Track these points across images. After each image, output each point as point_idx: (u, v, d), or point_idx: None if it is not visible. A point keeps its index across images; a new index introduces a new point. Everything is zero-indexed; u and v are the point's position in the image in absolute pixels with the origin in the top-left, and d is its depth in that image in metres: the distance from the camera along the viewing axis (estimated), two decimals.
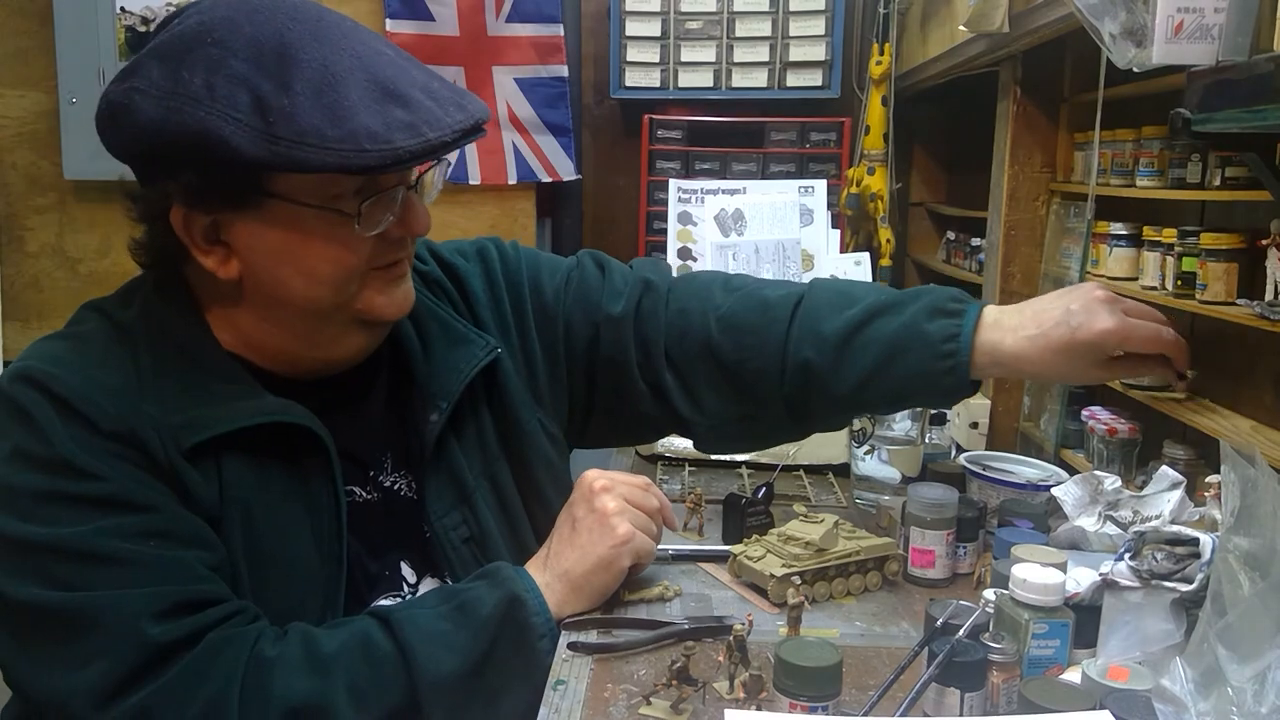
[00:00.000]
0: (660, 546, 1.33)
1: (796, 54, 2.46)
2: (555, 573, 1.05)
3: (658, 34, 2.48)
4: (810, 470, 1.71)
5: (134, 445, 0.92)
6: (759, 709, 0.93)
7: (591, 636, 1.09)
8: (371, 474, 1.10)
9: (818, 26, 2.45)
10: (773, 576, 1.17)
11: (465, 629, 0.96)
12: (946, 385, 1.09)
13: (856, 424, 1.53)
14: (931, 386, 1.10)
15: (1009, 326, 1.08)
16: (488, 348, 1.14)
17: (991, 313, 1.10)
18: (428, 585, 1.11)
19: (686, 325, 1.19)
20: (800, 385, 1.15)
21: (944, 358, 1.08)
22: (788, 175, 2.45)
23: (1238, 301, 1.27)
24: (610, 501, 1.06)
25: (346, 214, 0.93)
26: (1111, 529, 1.19)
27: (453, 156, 2.47)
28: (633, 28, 2.49)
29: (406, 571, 1.11)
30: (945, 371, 1.08)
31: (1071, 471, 1.47)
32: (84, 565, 0.87)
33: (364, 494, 1.08)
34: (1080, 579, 1.00)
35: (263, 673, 0.88)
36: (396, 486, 1.11)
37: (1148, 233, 1.49)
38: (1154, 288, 1.45)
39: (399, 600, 1.07)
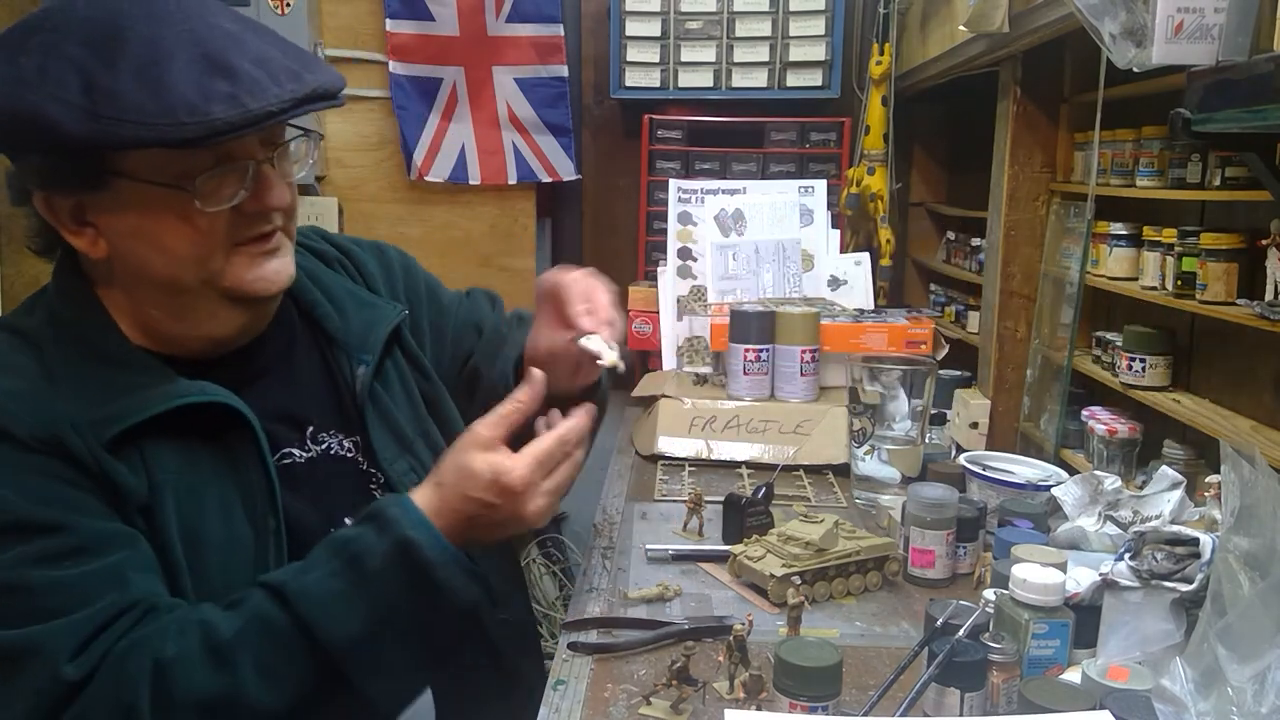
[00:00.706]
0: (660, 546, 1.33)
1: (796, 54, 2.46)
2: (448, 517, 0.96)
3: (658, 34, 2.48)
4: (810, 470, 1.71)
5: (56, 449, 0.92)
6: (759, 709, 0.93)
7: (591, 636, 1.09)
8: (311, 431, 1.11)
9: (818, 26, 2.44)
10: (773, 576, 1.17)
11: (360, 586, 0.91)
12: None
13: (856, 424, 1.54)
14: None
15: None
16: (396, 308, 1.21)
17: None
18: None
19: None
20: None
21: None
22: (788, 175, 2.45)
23: (1238, 301, 1.27)
24: (521, 471, 0.96)
25: (186, 190, 0.93)
26: (1111, 529, 1.19)
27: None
28: (633, 28, 2.49)
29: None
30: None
31: (1071, 471, 1.47)
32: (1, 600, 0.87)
33: (303, 453, 1.09)
34: (1080, 579, 1.00)
35: (166, 676, 0.86)
36: (330, 448, 1.12)
37: (1148, 233, 1.49)
38: (1154, 288, 1.45)
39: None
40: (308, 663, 0.89)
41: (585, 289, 1.15)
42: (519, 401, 1.00)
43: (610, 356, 1.08)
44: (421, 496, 0.97)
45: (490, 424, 0.98)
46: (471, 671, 1.17)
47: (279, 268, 1.03)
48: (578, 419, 1.02)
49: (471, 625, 0.99)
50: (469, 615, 0.96)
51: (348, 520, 1.09)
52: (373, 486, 1.13)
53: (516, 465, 0.95)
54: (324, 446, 1.12)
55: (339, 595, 0.91)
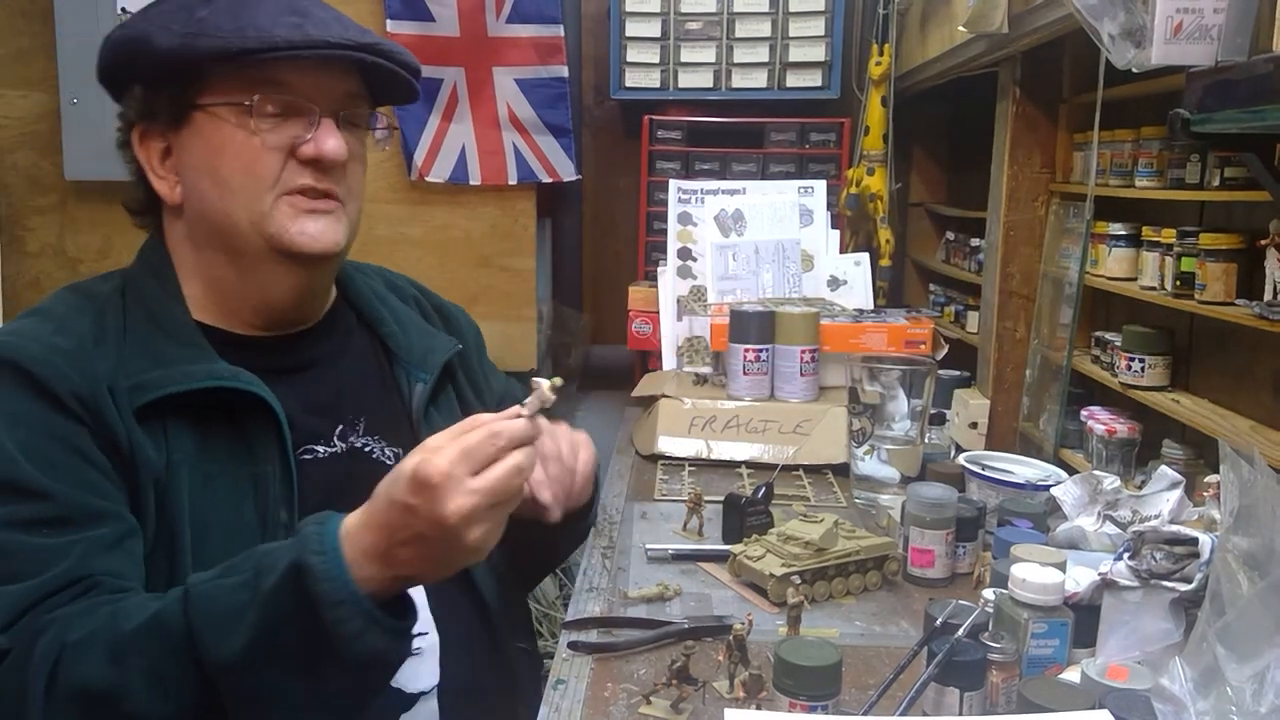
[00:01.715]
0: (660, 546, 1.33)
1: (796, 54, 2.46)
2: (370, 545, 0.85)
3: (658, 34, 2.48)
4: (810, 470, 1.71)
5: (90, 410, 0.96)
6: (759, 708, 0.93)
7: (591, 636, 1.09)
8: (340, 430, 1.12)
9: (818, 27, 2.44)
10: (773, 576, 1.17)
11: (254, 603, 0.84)
12: None
13: (856, 424, 1.54)
14: None
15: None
16: (453, 342, 1.26)
17: None
18: None
19: None
20: None
21: None
22: (787, 175, 2.45)
23: (1237, 302, 1.27)
24: (460, 499, 0.83)
25: (243, 106, 1.02)
26: (1111, 529, 1.19)
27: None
28: (633, 28, 2.49)
29: None
30: None
31: (1071, 471, 1.48)
32: None
33: (326, 449, 1.11)
34: (1079, 579, 1.00)
35: (66, 658, 0.85)
36: (370, 449, 1.14)
37: (1147, 233, 1.50)
38: (1153, 288, 1.46)
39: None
40: (193, 675, 0.84)
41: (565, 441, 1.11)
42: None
43: (533, 400, 0.91)
44: (353, 515, 0.87)
45: (444, 433, 0.88)
46: (480, 683, 1.16)
47: (325, 228, 1.07)
48: (516, 421, 0.88)
49: (376, 680, 0.88)
50: (367, 667, 0.85)
51: None
52: None
53: (436, 455, 0.83)
54: (360, 445, 1.13)
55: (235, 610, 0.84)
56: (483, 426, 0.86)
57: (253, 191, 1.03)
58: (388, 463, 1.15)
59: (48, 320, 1.03)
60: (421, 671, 1.10)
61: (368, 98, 1.12)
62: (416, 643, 1.10)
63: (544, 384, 0.92)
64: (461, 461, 0.83)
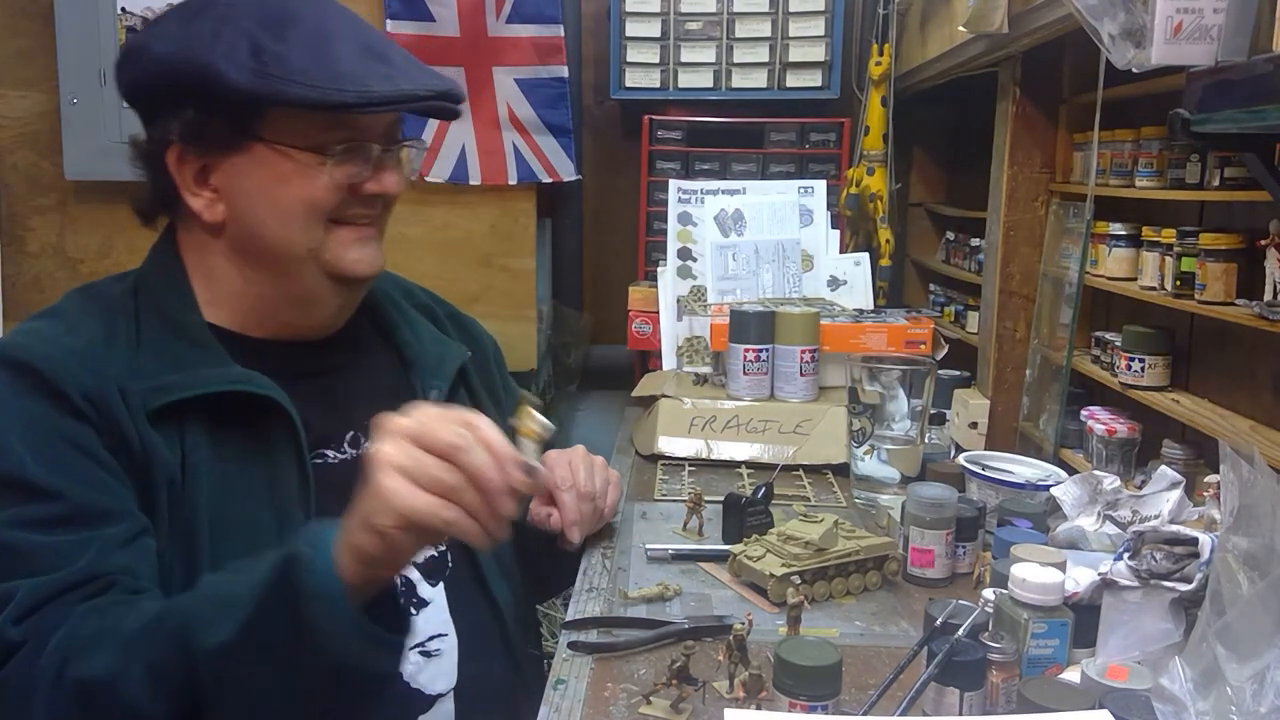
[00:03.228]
0: (660, 546, 1.33)
1: (796, 54, 2.46)
2: (342, 525, 0.86)
3: (658, 34, 2.48)
4: (810, 470, 1.71)
5: (101, 410, 0.96)
6: (759, 708, 0.93)
7: (591, 636, 1.09)
8: (352, 435, 1.13)
9: (818, 27, 2.44)
10: (773, 576, 1.17)
11: (243, 594, 0.84)
12: None
13: (855, 424, 1.54)
14: None
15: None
16: (464, 350, 1.28)
17: None
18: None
19: None
20: None
21: None
22: (787, 176, 2.45)
23: (1237, 302, 1.27)
24: (384, 444, 0.83)
25: (323, 157, 1.02)
26: (1111, 529, 1.19)
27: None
28: (633, 28, 2.49)
29: None
30: None
31: (1071, 471, 1.47)
32: None
33: (337, 454, 1.12)
34: (1079, 579, 1.00)
35: (75, 652, 0.85)
36: None
37: (1147, 233, 1.50)
38: (1153, 288, 1.46)
39: None
40: (183, 664, 0.83)
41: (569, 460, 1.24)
42: None
43: (525, 452, 0.90)
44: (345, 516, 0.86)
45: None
46: (495, 684, 1.17)
47: (375, 254, 1.12)
48: (489, 427, 0.85)
49: (353, 686, 0.85)
50: (345, 671, 0.83)
51: None
52: None
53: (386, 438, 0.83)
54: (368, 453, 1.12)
55: (229, 599, 0.84)
56: (462, 415, 0.85)
57: (313, 219, 1.05)
58: None
59: (59, 321, 1.04)
60: (440, 673, 1.11)
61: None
62: (435, 644, 1.12)
63: (533, 430, 0.92)
64: (414, 424, 0.83)
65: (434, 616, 1.13)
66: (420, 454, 0.82)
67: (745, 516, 1.34)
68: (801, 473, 1.70)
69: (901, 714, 0.87)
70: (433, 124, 2.50)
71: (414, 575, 1.13)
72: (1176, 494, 1.16)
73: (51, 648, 0.86)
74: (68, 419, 0.95)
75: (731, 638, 0.96)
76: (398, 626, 0.87)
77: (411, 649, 1.11)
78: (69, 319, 1.04)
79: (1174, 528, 0.98)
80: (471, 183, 2.51)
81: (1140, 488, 1.23)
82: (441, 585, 1.14)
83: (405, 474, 0.81)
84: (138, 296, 1.07)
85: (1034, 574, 0.94)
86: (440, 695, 1.11)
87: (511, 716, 1.17)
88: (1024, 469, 1.49)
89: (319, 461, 1.09)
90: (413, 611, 1.12)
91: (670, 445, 1.78)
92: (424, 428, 0.83)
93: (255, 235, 1.06)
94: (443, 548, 1.15)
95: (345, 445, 1.13)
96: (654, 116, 2.49)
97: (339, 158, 1.03)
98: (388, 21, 2.43)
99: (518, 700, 1.18)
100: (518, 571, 1.26)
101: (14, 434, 0.94)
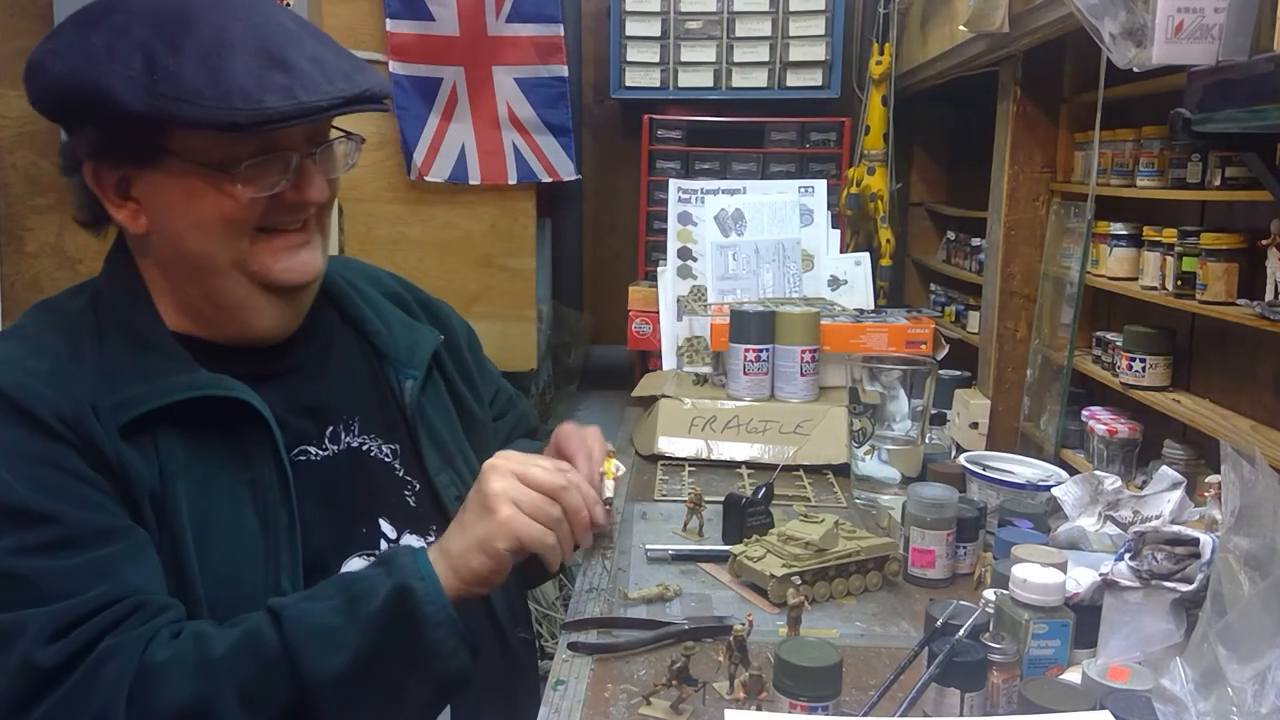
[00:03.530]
0: (660, 546, 1.33)
1: (796, 54, 2.46)
2: (440, 551, 1.01)
3: (658, 34, 2.48)
4: (810, 470, 1.71)
5: (77, 431, 0.94)
6: (759, 709, 0.93)
7: (591, 636, 1.09)
8: (331, 430, 1.12)
9: (818, 26, 2.44)
10: (773, 576, 1.17)
11: (355, 623, 0.92)
12: None
13: (856, 424, 1.53)
14: None
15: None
16: (436, 334, 1.26)
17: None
18: (407, 540, 1.14)
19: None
20: None
21: None
22: (788, 175, 2.45)
23: (1238, 301, 1.27)
24: (496, 481, 1.02)
25: (230, 175, 0.97)
26: (1111, 529, 1.19)
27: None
28: (633, 28, 2.49)
29: (386, 528, 1.13)
30: None
31: (1071, 471, 1.47)
32: None
33: (319, 452, 1.10)
34: (1080, 579, 1.00)
35: (150, 680, 0.87)
36: (367, 448, 1.14)
37: (1148, 233, 1.49)
38: (1154, 288, 1.45)
39: (369, 557, 1.09)
40: (285, 693, 0.89)
41: (583, 439, 1.26)
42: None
43: (608, 490, 1.20)
44: (435, 547, 1.01)
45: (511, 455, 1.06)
46: (489, 682, 1.16)
47: (308, 260, 1.07)
48: (579, 474, 1.12)
49: (452, 694, 1.00)
50: (450, 685, 0.96)
51: (382, 521, 1.13)
52: (407, 493, 1.16)
53: (502, 474, 1.02)
54: (357, 445, 1.13)
55: (333, 630, 0.91)
56: (557, 462, 1.08)
57: (232, 232, 1.00)
58: (385, 460, 1.15)
59: (21, 342, 1.01)
60: None
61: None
62: None
63: (613, 473, 1.21)
64: (520, 465, 1.03)
65: None
66: (530, 491, 1.02)
67: (745, 517, 1.34)
68: (802, 473, 1.70)
69: (902, 715, 0.86)
70: (432, 124, 2.50)
71: None
72: (1177, 494, 1.15)
73: (111, 679, 0.85)
74: (46, 442, 0.93)
75: (732, 638, 0.96)
76: (475, 629, 0.98)
77: None
78: (31, 340, 1.01)
79: (1175, 528, 0.98)
80: (471, 182, 2.51)
81: (1141, 488, 1.23)
82: None
83: (519, 506, 1.00)
84: (97, 311, 1.04)
85: (1035, 574, 0.94)
86: None
87: (507, 701, 1.17)
88: (1025, 469, 1.48)
89: (301, 459, 1.08)
90: None
91: (670, 445, 1.78)
92: (528, 468, 1.03)
93: (177, 248, 1.02)
94: (431, 538, 1.14)
95: (326, 442, 1.11)
96: (654, 116, 2.49)
97: (249, 172, 0.98)
98: (388, 20, 2.43)
99: (514, 685, 1.19)
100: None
101: None
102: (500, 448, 1.26)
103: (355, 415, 1.14)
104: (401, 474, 1.16)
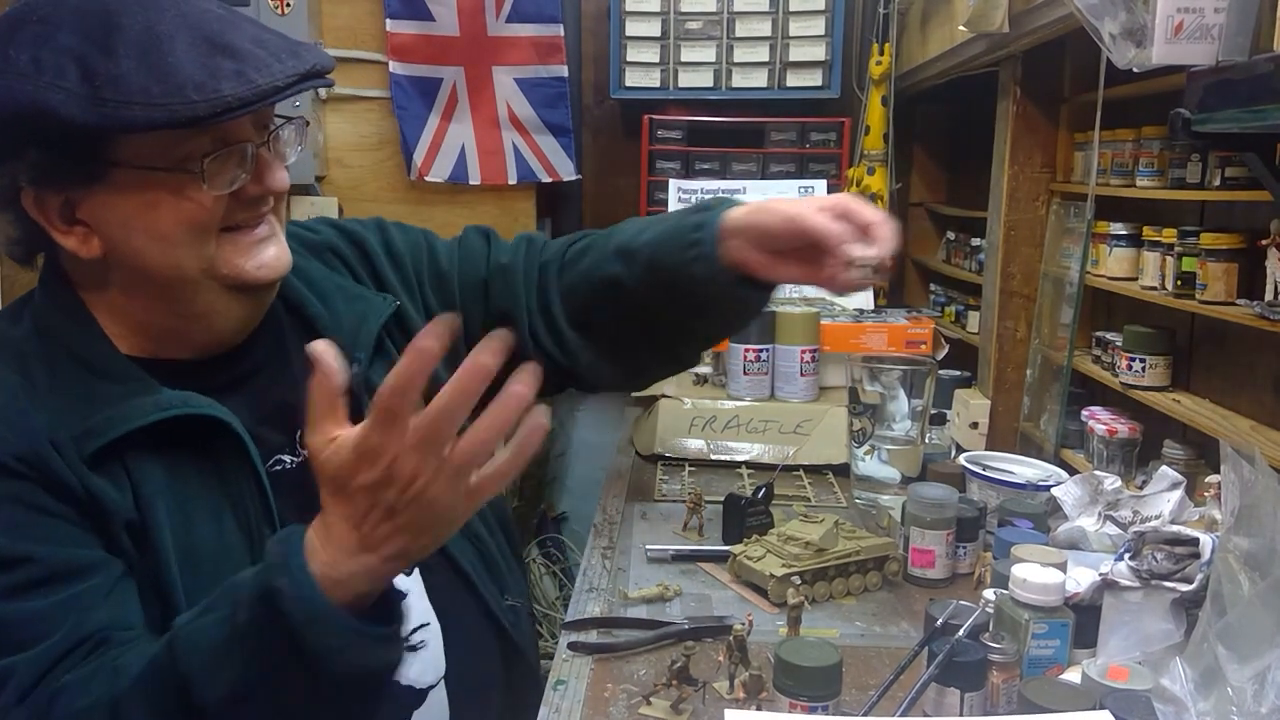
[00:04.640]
0: (660, 546, 1.33)
1: (796, 54, 2.46)
2: (323, 527, 0.84)
3: (658, 34, 2.48)
4: (810, 470, 1.71)
5: (38, 468, 0.90)
6: (759, 709, 0.93)
7: (591, 637, 1.09)
8: (300, 435, 1.06)
9: (818, 26, 2.44)
10: (773, 576, 1.17)
11: (235, 637, 0.82)
12: (699, 272, 1.11)
13: (856, 424, 1.54)
14: (688, 275, 1.12)
15: (745, 207, 1.12)
16: (387, 301, 1.15)
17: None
18: None
19: (546, 273, 1.27)
20: (612, 301, 1.20)
21: (692, 245, 1.12)
22: (788, 175, 2.45)
23: (1238, 301, 1.27)
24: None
25: (192, 173, 0.91)
26: (1111, 529, 1.19)
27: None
28: (633, 28, 2.49)
29: None
30: (694, 259, 1.11)
31: (1071, 471, 1.47)
32: None
33: (293, 459, 1.06)
34: (1080, 579, 1.00)
35: None
36: None
37: (1148, 233, 1.49)
38: (1154, 288, 1.45)
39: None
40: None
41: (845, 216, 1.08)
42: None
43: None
44: (315, 521, 0.82)
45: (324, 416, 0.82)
46: (482, 658, 1.14)
47: (277, 254, 1.02)
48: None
49: (375, 687, 0.85)
50: (362, 683, 0.83)
51: None
52: None
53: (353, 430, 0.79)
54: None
55: (218, 646, 0.82)
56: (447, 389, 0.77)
57: (197, 238, 0.95)
58: None
59: None
60: (428, 665, 1.08)
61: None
62: (420, 635, 1.08)
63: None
64: (419, 423, 0.76)
65: (414, 606, 1.08)
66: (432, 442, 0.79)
67: (745, 517, 1.34)
68: (802, 473, 1.70)
69: (902, 715, 0.87)
70: (432, 124, 2.50)
71: None
72: (1177, 494, 1.15)
73: None
74: (9, 482, 0.89)
75: (732, 638, 0.96)
76: (392, 615, 0.85)
77: None
78: None
79: (1175, 528, 0.98)
80: (471, 182, 2.51)
81: (1141, 488, 1.23)
82: (417, 572, 1.10)
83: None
84: (43, 338, 0.98)
85: (1035, 574, 0.94)
86: (431, 687, 1.08)
87: (507, 693, 1.15)
88: (1025, 469, 1.49)
89: (276, 469, 1.03)
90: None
91: (670, 445, 1.78)
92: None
93: (138, 266, 0.95)
94: None
95: (299, 447, 1.06)
96: (654, 116, 2.49)
97: (210, 169, 0.92)
98: (388, 21, 2.43)
99: (512, 679, 1.16)
100: (489, 534, 1.19)
101: None
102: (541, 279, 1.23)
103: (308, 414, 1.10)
104: None
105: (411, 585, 1.09)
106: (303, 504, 1.03)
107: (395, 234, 1.27)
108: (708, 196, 2.22)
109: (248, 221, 0.99)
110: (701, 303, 1.17)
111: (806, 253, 1.09)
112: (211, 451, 0.98)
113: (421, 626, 1.09)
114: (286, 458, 1.06)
